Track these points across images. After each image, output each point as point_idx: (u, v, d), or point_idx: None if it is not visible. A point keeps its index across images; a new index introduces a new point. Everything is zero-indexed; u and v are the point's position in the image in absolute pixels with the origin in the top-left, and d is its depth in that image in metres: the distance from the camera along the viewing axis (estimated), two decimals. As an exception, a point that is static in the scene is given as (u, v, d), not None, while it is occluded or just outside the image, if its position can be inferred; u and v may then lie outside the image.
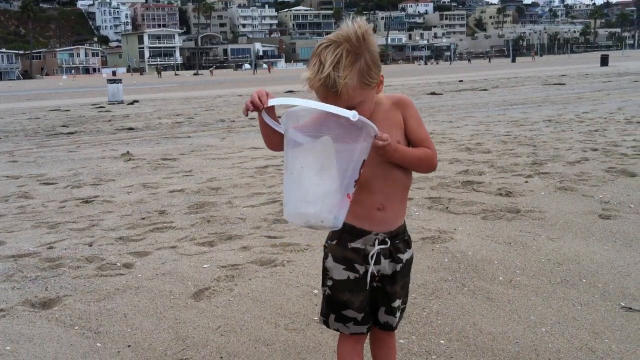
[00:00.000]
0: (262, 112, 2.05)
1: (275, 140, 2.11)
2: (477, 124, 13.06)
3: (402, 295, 2.36)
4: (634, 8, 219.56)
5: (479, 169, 7.66)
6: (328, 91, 2.01)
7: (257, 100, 2.01)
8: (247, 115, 2.07)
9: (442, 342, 3.26)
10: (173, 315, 3.67)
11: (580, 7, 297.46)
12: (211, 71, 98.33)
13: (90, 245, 5.09)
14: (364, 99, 2.07)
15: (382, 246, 2.24)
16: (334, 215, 1.97)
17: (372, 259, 2.23)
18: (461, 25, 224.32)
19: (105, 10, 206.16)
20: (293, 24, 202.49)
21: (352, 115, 1.89)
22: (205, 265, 4.49)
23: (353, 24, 2.02)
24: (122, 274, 4.38)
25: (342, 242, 2.26)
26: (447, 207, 5.89)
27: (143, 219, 5.94)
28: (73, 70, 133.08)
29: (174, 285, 4.13)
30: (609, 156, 8.16)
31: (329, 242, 2.32)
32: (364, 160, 1.99)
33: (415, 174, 2.37)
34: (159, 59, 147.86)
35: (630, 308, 3.58)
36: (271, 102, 2.02)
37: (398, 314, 2.36)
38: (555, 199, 6.06)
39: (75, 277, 4.34)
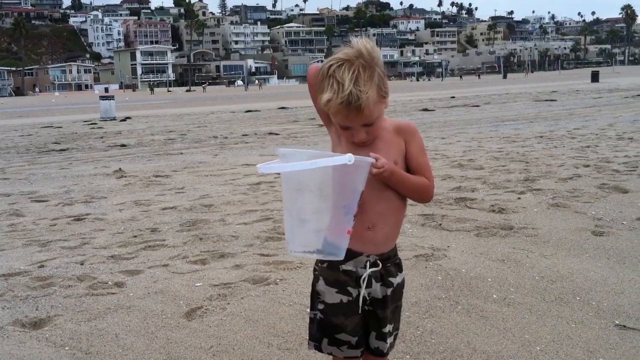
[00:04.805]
0: None
1: None
2: (469, 140, 13.10)
3: (393, 320, 2.32)
4: (624, 24, 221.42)
5: (472, 186, 7.66)
6: (350, 109, 2.00)
7: None
8: None
9: (437, 361, 3.24)
10: (165, 335, 3.64)
11: (570, 23, 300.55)
12: (204, 88, 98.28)
13: (82, 264, 5.05)
14: (379, 113, 2.10)
15: (374, 269, 2.21)
16: (335, 243, 2.03)
17: (364, 282, 2.20)
18: (452, 42, 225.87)
19: (97, 27, 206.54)
20: (285, 41, 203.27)
21: (348, 159, 1.88)
22: (198, 284, 4.45)
23: (361, 41, 2.05)
24: (113, 293, 4.34)
25: (333, 264, 2.22)
26: (440, 224, 5.88)
27: (135, 236, 5.91)
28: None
29: (166, 305, 4.09)
30: (601, 172, 8.18)
31: (320, 264, 2.28)
32: (362, 192, 2.00)
33: None
34: (151, 76, 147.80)
35: (624, 326, 3.56)
36: (262, 171, 1.95)
37: (389, 340, 2.32)
38: (548, 215, 6.06)
39: (66, 297, 4.30)
